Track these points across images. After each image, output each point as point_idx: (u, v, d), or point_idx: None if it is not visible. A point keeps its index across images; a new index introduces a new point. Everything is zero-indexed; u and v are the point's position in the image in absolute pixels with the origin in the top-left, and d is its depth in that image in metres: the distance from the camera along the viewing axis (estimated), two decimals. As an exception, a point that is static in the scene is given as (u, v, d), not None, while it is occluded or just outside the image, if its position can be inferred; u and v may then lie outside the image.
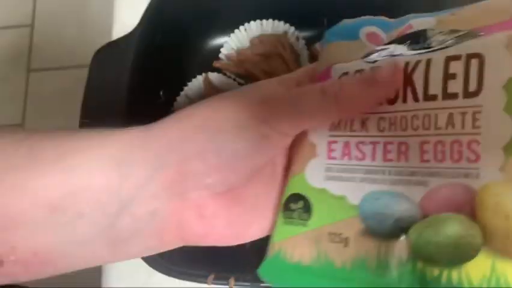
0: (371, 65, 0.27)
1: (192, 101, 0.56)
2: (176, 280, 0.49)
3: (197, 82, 0.56)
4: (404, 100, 0.25)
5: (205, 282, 0.44)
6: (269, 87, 0.29)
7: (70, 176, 0.25)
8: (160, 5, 0.53)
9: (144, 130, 0.27)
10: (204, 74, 0.55)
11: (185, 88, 0.55)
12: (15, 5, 1.49)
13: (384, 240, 0.24)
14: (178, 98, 0.55)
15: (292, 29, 0.57)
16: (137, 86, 0.50)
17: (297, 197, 0.28)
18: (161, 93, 0.55)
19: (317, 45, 0.57)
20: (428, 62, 0.25)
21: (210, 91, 0.55)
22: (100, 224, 0.25)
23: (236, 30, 0.58)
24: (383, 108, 0.26)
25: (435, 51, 0.25)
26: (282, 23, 0.57)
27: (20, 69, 1.40)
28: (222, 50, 0.57)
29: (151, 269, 0.45)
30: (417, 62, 0.25)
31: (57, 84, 1.38)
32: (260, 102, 0.26)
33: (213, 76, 0.56)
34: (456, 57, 0.24)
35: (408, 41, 0.28)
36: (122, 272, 0.51)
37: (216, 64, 0.56)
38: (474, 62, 0.23)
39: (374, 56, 0.28)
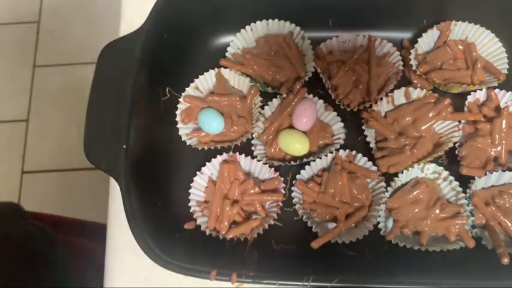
0: None
1: (201, 93, 0.56)
2: (176, 280, 0.49)
3: (209, 76, 0.56)
4: None
5: (208, 278, 0.44)
6: None
7: None
8: (167, 3, 0.53)
9: None
10: (216, 69, 0.56)
11: (196, 80, 0.56)
12: (22, 2, 1.49)
13: None
14: (188, 89, 0.56)
15: (298, 29, 0.58)
16: (143, 82, 0.51)
17: None
18: (167, 89, 0.55)
19: (321, 46, 0.57)
20: None
21: (222, 85, 0.56)
22: None
23: (242, 30, 0.58)
24: None
25: None
26: (287, 23, 0.58)
27: (26, 65, 1.40)
28: (228, 49, 0.58)
29: (151, 269, 0.45)
30: None
31: (62, 80, 1.38)
32: None
33: (225, 71, 0.56)
34: None
35: None
36: (122, 272, 0.51)
37: (223, 62, 0.57)
38: None
39: None
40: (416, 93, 0.54)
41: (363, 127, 0.53)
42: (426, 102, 0.53)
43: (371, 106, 0.54)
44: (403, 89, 0.54)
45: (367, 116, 0.53)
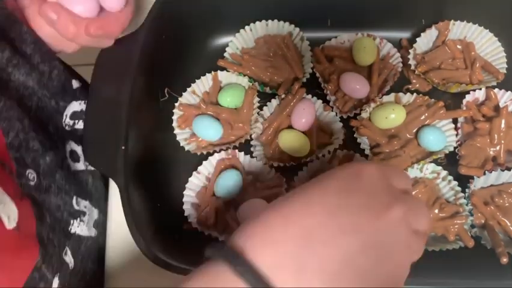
0: None
1: (198, 97, 0.56)
2: (176, 280, 0.49)
3: (205, 80, 0.56)
4: None
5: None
6: None
7: None
8: (166, 3, 0.53)
9: None
10: (213, 72, 0.56)
11: (193, 85, 0.56)
12: (22, 2, 1.49)
13: None
14: (185, 94, 0.56)
15: (297, 30, 0.58)
16: (142, 82, 0.50)
17: None
18: (166, 91, 0.55)
19: (319, 49, 0.57)
20: None
21: (217, 89, 0.56)
22: None
23: (241, 30, 0.58)
24: None
25: None
26: (287, 23, 0.58)
27: (26, 66, 1.41)
28: (227, 49, 0.58)
29: (151, 269, 0.45)
30: None
31: (62, 81, 1.38)
32: None
33: (222, 74, 0.56)
34: None
35: None
36: (122, 272, 0.51)
37: (220, 63, 0.57)
38: None
39: None
40: (406, 98, 0.54)
41: (355, 135, 0.53)
42: (418, 105, 0.53)
43: (360, 113, 0.54)
44: (393, 94, 0.54)
45: (356, 124, 0.53)
